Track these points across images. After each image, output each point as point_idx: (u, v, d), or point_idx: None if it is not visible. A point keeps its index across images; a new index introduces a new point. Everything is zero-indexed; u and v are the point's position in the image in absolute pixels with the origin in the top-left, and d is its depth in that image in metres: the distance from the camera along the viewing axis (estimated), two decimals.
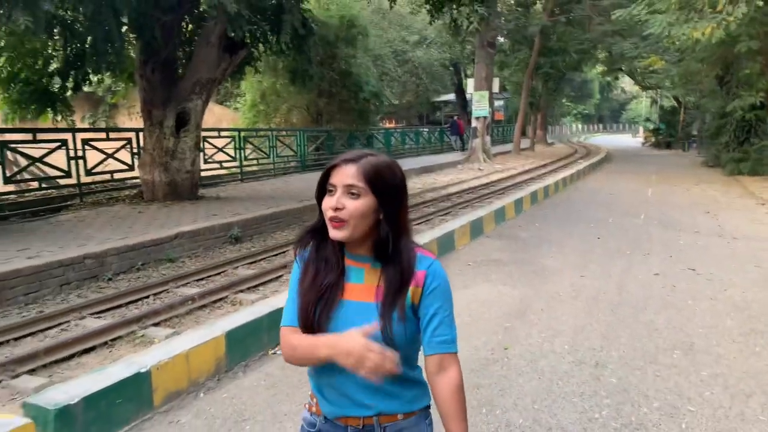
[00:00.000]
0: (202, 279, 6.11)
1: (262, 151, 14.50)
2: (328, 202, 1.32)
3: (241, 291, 5.65)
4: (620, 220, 9.69)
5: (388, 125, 32.77)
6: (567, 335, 4.54)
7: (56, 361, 3.93)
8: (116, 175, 10.40)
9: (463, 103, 35.03)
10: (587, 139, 54.51)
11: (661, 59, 19.31)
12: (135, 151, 10.45)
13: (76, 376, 3.45)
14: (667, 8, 12.88)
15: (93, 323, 4.65)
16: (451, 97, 37.92)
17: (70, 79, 9.39)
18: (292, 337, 1.38)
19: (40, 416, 2.88)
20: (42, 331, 4.50)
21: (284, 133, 16.09)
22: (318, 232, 1.40)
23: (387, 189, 1.33)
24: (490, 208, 9.44)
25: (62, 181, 9.47)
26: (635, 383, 3.69)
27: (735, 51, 14.28)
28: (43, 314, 4.86)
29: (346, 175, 1.32)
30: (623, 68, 33.05)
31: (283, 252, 7.48)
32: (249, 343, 4.13)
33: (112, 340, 4.31)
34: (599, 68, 40.10)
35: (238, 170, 13.58)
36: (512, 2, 27.58)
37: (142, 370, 3.32)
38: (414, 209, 10.94)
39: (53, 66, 9.40)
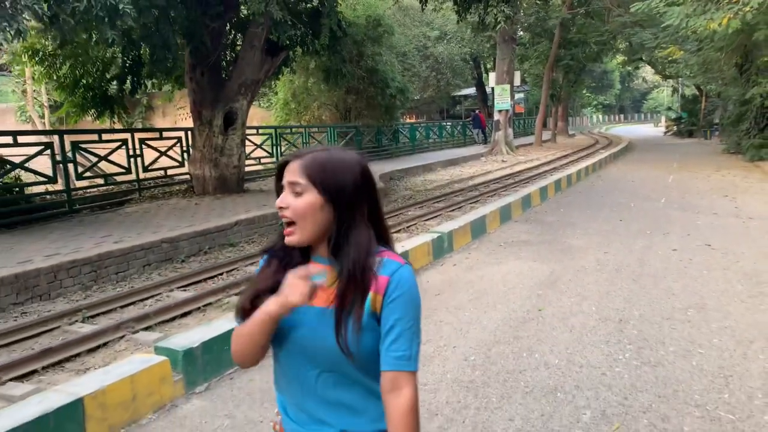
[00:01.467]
0: (255, 262, 6.86)
1: (296, 147, 15.27)
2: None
3: None
4: (641, 205, 10.24)
5: (409, 120, 33.40)
6: (593, 299, 5.18)
7: (164, 322, 4.70)
8: (168, 171, 11.24)
9: (483, 97, 35.49)
10: (608, 129, 54.52)
11: (680, 49, 19.63)
12: (185, 148, 11.27)
13: (187, 331, 4.20)
14: (684, 0, 13.32)
15: (182, 294, 5.42)
16: (471, 91, 38.38)
17: (127, 84, 10.23)
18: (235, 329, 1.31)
19: (171, 356, 3.63)
20: (141, 301, 5.28)
21: (316, 129, 16.85)
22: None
23: (336, 185, 1.22)
24: (517, 195, 10.06)
25: (120, 178, 10.31)
26: (653, 334, 4.32)
27: (753, 39, 14.63)
28: (135, 288, 5.64)
29: (290, 171, 1.24)
30: (644, 58, 33.22)
31: None
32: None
33: (204, 306, 5.07)
34: (619, 58, 40.25)
35: (275, 166, 14.35)
36: None
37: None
38: (444, 198, 11.60)
39: (111, 72, 10.23)
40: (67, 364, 4.09)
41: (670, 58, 22.77)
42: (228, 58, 11.09)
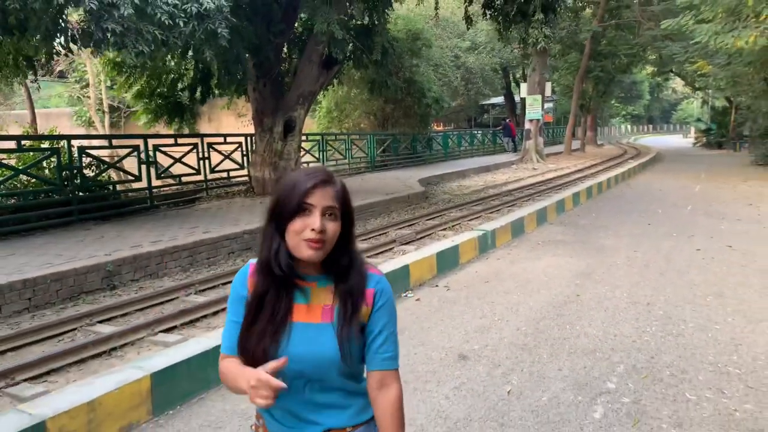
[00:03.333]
0: None
1: (339, 153, 16.28)
2: (306, 222, 1.29)
3: None
4: (669, 211, 10.95)
5: (437, 128, 34.25)
6: (624, 288, 5.99)
7: None
8: (227, 173, 12.31)
9: (512, 106, 36.18)
10: (637, 140, 54.62)
11: (708, 64, 20.19)
12: (244, 153, 12.34)
13: None
14: (713, 18, 13.98)
15: None
16: (499, 99, 39.07)
17: (198, 93, 11.33)
18: (224, 363, 1.38)
19: None
20: None
21: (357, 136, 17.86)
22: (282, 266, 1.33)
23: (350, 210, 1.38)
24: (551, 200, 10.86)
25: (189, 178, 11.38)
26: (677, 314, 5.12)
27: None
28: (226, 271, 6.62)
29: (328, 196, 1.31)
30: (673, 70, 33.62)
31: (379, 234, 9.10)
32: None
33: None
34: (649, 69, 40.58)
35: None
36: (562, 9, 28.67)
37: None
38: (482, 202, 12.45)
39: (183, 83, 11.35)
40: (197, 323, 5.09)
41: (699, 72, 23.28)
42: (287, 71, 12.12)
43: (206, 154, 11.20)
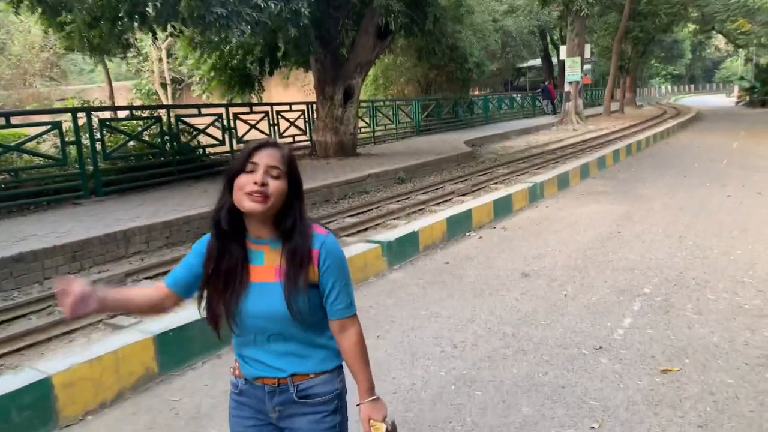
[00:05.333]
0: (394, 202, 8.93)
1: (388, 118, 17.28)
2: (249, 178, 1.42)
3: (420, 209, 8.41)
4: (705, 165, 11.68)
5: (475, 93, 34.71)
6: (660, 226, 6.94)
7: (359, 231, 6.85)
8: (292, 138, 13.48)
9: (549, 68, 36.31)
10: (677, 100, 53.74)
11: (749, 22, 20.25)
12: (306, 119, 13.50)
13: (385, 232, 6.27)
14: None
15: (351, 220, 7.55)
16: (536, 62, 39.12)
17: (266, 66, 12.46)
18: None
19: (381, 244, 5.69)
20: (329, 222, 7.45)
21: (403, 102, 18.80)
22: (222, 221, 1.48)
23: (296, 175, 1.51)
24: (592, 156, 11.71)
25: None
26: (706, 245, 6.07)
27: None
28: (318, 216, 7.81)
29: (271, 156, 1.45)
30: (715, 28, 33.16)
31: (436, 188, 10.15)
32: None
33: (373, 226, 7.18)
34: (690, 27, 39.90)
35: (370, 134, 16.41)
36: None
37: (416, 228, 6.12)
38: (526, 160, 13.36)
39: (252, 57, 12.48)
40: None
41: (740, 30, 23.24)
42: (342, 43, 13.10)
43: (275, 121, 12.38)
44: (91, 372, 3.29)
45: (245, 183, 1.41)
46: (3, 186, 7.62)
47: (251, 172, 1.42)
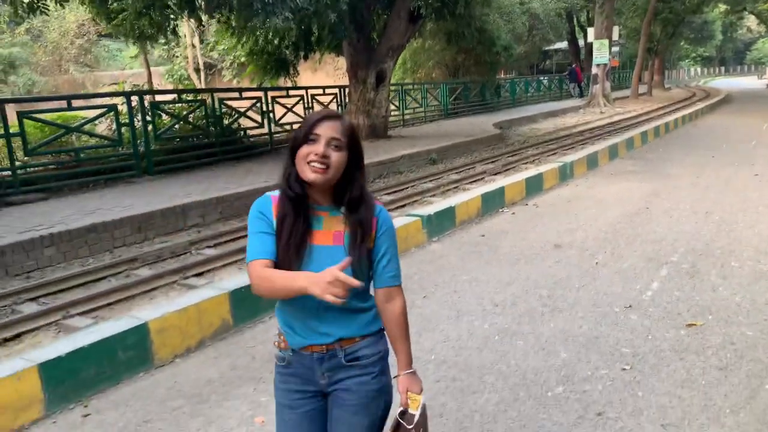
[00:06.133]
0: (427, 181, 9.31)
1: (416, 101, 17.58)
2: (311, 149, 1.49)
3: (455, 187, 8.77)
4: (733, 146, 11.80)
5: (501, 76, 34.66)
6: (687, 202, 7.21)
7: (398, 207, 7.28)
8: None
9: (576, 51, 35.97)
10: (707, 82, 52.83)
11: None
12: (339, 102, 13.90)
13: (428, 205, 6.67)
14: None
15: (389, 197, 7.96)
16: (562, 45, 38.74)
17: (301, 51, 12.86)
18: (266, 270, 1.51)
19: (422, 218, 6.08)
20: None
21: (431, 85, 19.06)
22: (291, 187, 1.56)
23: (358, 147, 1.58)
24: (620, 138, 11.91)
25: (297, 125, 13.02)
26: (730, 218, 6.35)
27: None
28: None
29: (333, 128, 1.51)
30: (747, 8, 32.53)
31: (468, 168, 10.49)
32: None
33: (411, 203, 7.59)
34: (721, 8, 39.14)
35: (400, 117, 16.74)
36: None
37: (452, 204, 6.51)
38: (555, 142, 13.59)
39: (287, 42, 12.86)
40: None
41: None
42: (373, 27, 13.41)
43: (310, 104, 12.80)
44: (179, 320, 3.78)
45: (307, 154, 1.49)
46: (65, 164, 8.20)
47: (314, 142, 1.49)
